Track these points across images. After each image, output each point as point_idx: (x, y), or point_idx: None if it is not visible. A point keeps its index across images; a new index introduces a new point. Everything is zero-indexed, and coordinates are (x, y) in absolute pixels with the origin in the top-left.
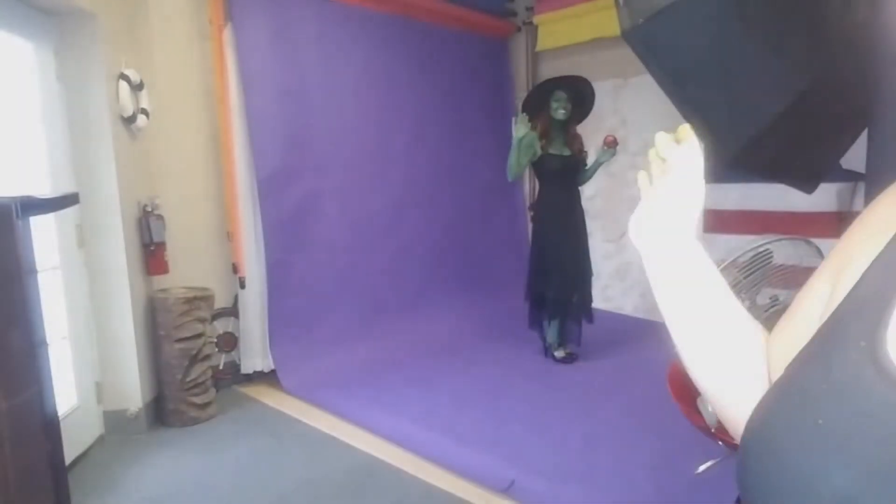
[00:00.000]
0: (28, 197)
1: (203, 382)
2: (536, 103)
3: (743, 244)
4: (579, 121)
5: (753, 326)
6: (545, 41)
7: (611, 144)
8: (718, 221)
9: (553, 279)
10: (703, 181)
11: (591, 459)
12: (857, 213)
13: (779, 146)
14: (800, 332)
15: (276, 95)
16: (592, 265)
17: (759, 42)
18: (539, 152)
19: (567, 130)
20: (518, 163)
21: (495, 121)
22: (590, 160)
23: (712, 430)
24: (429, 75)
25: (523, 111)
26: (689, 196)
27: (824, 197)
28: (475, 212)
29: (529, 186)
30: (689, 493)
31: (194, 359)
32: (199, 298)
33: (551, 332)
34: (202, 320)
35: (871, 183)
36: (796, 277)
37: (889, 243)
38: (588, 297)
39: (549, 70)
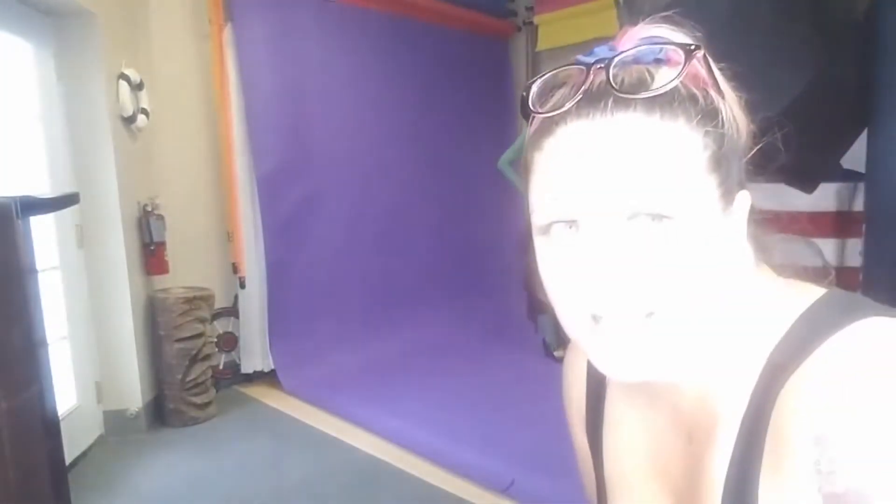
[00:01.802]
0: (28, 197)
1: (203, 382)
2: None
3: None
4: None
5: None
6: (545, 41)
7: None
8: None
9: None
10: None
11: None
12: (857, 213)
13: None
14: None
15: (276, 95)
16: None
17: (758, 42)
18: None
19: None
20: (511, 158)
21: (495, 121)
22: None
23: None
24: (429, 75)
25: (521, 110)
26: None
27: (824, 197)
28: (475, 212)
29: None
30: None
31: (194, 359)
32: (199, 298)
33: (549, 331)
34: (202, 320)
35: (871, 183)
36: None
37: None
38: None
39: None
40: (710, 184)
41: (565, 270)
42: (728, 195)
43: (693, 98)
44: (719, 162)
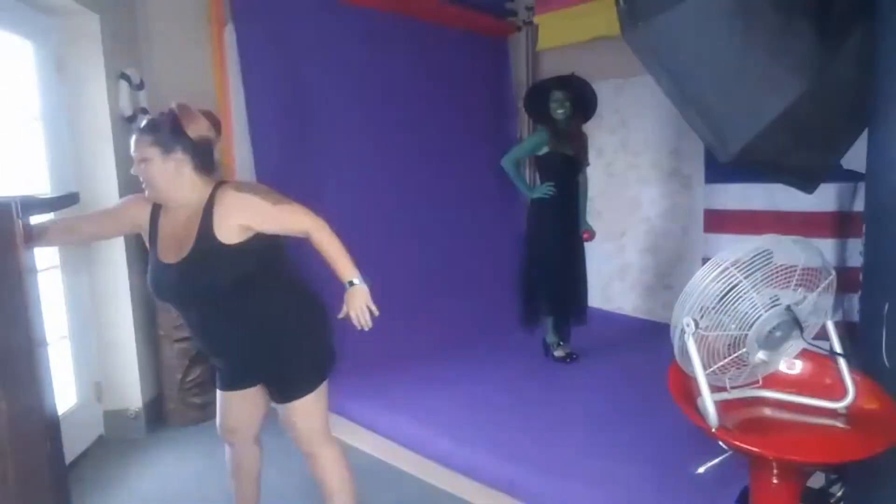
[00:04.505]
0: (28, 197)
1: (203, 382)
2: (539, 106)
3: (743, 244)
4: (584, 120)
5: None
6: (545, 41)
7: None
8: (718, 221)
9: (547, 276)
10: None
11: (592, 459)
12: (858, 213)
13: (779, 146)
14: None
15: (277, 95)
16: (587, 266)
17: (759, 42)
18: (546, 150)
19: (569, 129)
20: (518, 157)
21: (495, 121)
22: (591, 164)
23: (713, 431)
24: (428, 75)
25: (526, 112)
26: None
27: (824, 197)
28: (476, 211)
29: (530, 182)
30: (689, 493)
31: (194, 359)
32: None
33: (549, 331)
34: None
35: (871, 183)
36: (796, 277)
37: None
38: (584, 299)
39: (549, 70)
40: (155, 148)
41: None
42: (165, 154)
43: (160, 125)
44: (155, 144)
